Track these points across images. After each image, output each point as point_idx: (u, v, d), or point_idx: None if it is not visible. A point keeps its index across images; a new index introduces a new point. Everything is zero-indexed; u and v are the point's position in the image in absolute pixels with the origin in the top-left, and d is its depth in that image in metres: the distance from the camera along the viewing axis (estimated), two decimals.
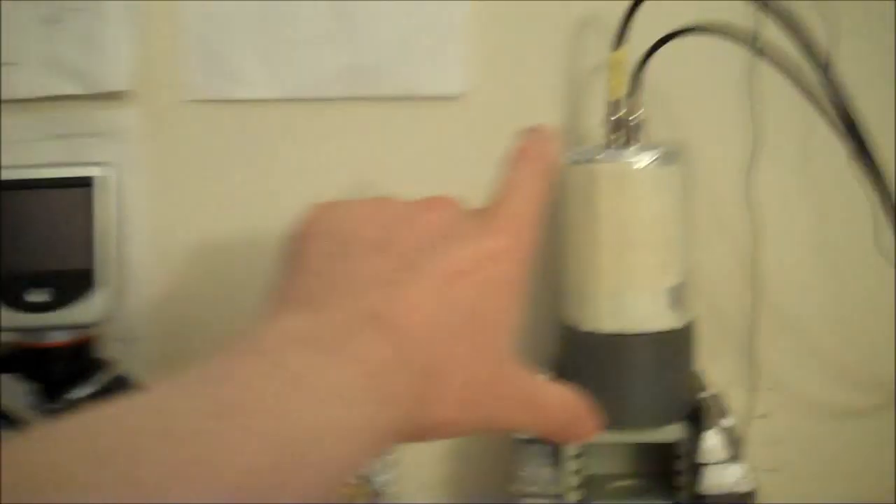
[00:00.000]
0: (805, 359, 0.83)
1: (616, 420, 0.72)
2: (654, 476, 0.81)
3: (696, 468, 0.69)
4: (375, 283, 0.29)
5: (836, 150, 0.69)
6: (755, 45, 0.71)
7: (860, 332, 0.82)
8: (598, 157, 0.69)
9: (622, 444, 0.77)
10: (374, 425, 0.26)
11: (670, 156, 0.69)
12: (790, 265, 0.82)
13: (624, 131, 0.71)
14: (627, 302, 0.70)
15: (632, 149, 0.70)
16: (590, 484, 0.80)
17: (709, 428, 0.70)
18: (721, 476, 0.69)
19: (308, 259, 0.31)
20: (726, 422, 0.76)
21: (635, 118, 0.71)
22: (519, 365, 0.32)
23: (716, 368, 0.83)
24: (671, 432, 0.72)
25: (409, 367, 0.28)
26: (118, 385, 0.68)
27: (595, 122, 0.74)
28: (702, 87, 0.79)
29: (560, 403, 0.34)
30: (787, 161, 0.80)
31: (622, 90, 0.71)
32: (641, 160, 0.68)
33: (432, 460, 0.85)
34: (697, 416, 0.73)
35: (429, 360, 0.29)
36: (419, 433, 0.29)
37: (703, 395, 0.76)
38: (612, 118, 0.71)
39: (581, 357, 0.73)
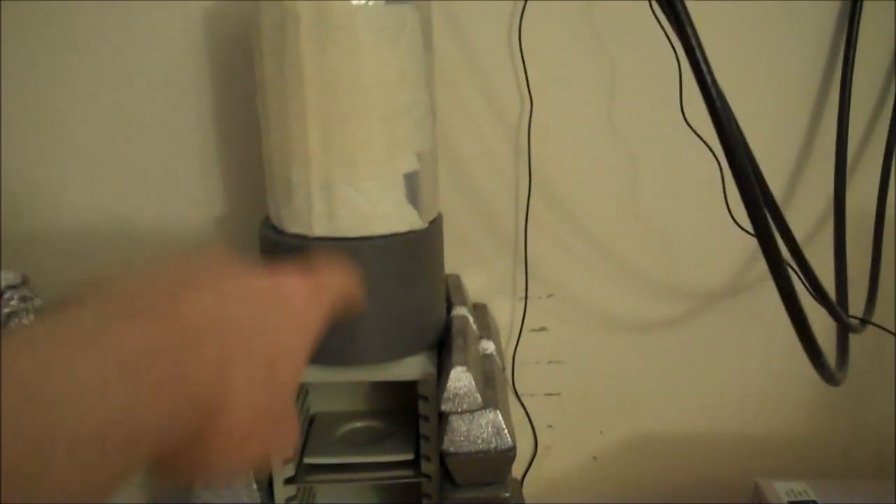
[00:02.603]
0: (592, 260, 0.66)
1: (338, 354, 0.54)
2: (397, 414, 0.64)
3: (442, 417, 0.52)
4: (152, 294, 0.27)
5: None
6: None
7: (658, 227, 0.66)
8: None
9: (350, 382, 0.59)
10: (131, 422, 0.23)
11: None
12: (572, 144, 0.63)
13: None
14: (345, 195, 0.50)
15: None
16: (315, 425, 0.62)
17: (456, 364, 0.52)
18: (470, 427, 0.51)
19: (84, 298, 0.27)
20: (486, 347, 0.59)
21: None
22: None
23: (481, 274, 0.66)
24: (410, 368, 0.54)
25: (192, 352, 0.26)
26: None
27: None
28: None
29: None
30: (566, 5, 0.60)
31: None
32: None
33: None
34: (447, 343, 0.55)
35: (221, 350, 0.27)
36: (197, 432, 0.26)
37: (456, 313, 0.58)
38: None
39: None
